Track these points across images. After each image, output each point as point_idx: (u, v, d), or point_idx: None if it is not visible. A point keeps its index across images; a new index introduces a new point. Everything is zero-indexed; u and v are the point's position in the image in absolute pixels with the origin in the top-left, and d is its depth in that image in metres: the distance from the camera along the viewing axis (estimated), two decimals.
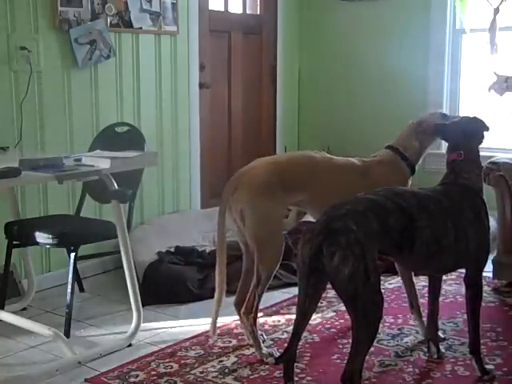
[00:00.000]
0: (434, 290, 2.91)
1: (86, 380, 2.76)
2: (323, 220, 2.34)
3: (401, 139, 3.13)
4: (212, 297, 3.69)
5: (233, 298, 3.70)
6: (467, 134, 2.75)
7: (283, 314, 3.39)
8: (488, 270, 2.89)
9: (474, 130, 2.78)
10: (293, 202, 3.00)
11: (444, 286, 3.44)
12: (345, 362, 2.82)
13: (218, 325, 3.31)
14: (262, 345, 2.94)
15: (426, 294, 3.73)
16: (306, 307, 2.38)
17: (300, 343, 3.06)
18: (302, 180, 2.93)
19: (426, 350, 2.93)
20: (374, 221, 2.33)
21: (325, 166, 3.01)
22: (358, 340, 2.31)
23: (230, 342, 3.12)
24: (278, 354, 2.85)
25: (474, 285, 2.68)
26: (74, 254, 3.21)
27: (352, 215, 2.32)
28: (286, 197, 2.89)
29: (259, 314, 3.42)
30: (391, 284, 3.85)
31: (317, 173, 2.97)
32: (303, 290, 2.35)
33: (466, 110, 4.94)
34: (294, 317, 3.33)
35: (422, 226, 2.45)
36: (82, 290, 3.77)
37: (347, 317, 3.35)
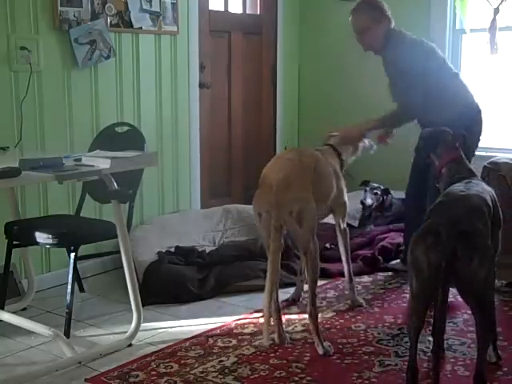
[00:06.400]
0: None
1: (85, 380, 2.76)
2: (446, 221, 2.23)
3: (341, 142, 3.55)
4: (211, 297, 3.73)
5: (232, 298, 3.71)
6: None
7: (283, 314, 3.38)
8: None
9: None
10: None
11: None
12: (345, 361, 2.84)
13: (218, 325, 3.33)
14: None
15: None
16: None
17: (300, 343, 3.08)
18: (312, 175, 3.09)
19: (426, 350, 2.92)
20: (487, 217, 2.31)
21: (319, 160, 3.23)
22: (486, 337, 2.33)
23: (230, 341, 3.12)
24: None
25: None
26: (73, 254, 3.21)
27: (474, 214, 2.27)
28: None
29: (259, 314, 3.43)
30: (391, 284, 3.85)
31: (318, 167, 3.17)
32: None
33: None
34: (293, 316, 3.37)
35: (497, 218, 2.49)
36: (82, 290, 3.77)
37: (347, 317, 3.37)
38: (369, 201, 4.71)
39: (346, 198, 3.40)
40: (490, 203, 2.47)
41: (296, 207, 2.92)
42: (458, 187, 2.53)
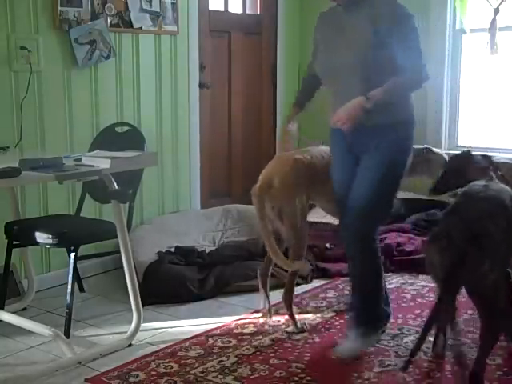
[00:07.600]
0: None
1: (85, 380, 2.76)
2: (460, 224, 2.24)
3: None
4: (211, 297, 3.73)
5: (232, 298, 3.71)
6: None
7: (283, 314, 3.38)
8: None
9: None
10: (309, 194, 3.21)
11: None
12: (345, 361, 2.84)
13: (218, 325, 3.33)
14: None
15: (427, 294, 3.74)
16: (453, 315, 2.34)
17: (300, 343, 3.08)
18: (318, 173, 3.19)
19: (426, 350, 2.92)
20: (503, 219, 2.30)
21: (327, 160, 3.27)
22: (492, 341, 2.31)
23: (230, 341, 3.12)
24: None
25: None
26: (73, 254, 3.21)
27: (487, 216, 2.26)
28: (307, 190, 3.16)
29: (259, 314, 3.43)
30: (391, 284, 3.85)
31: (323, 167, 3.23)
32: (452, 300, 2.29)
33: (466, 110, 4.94)
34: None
35: None
36: (82, 290, 3.77)
37: (347, 317, 3.37)
38: None
39: None
40: (510, 203, 2.43)
41: (277, 203, 3.10)
42: (476, 187, 2.52)
